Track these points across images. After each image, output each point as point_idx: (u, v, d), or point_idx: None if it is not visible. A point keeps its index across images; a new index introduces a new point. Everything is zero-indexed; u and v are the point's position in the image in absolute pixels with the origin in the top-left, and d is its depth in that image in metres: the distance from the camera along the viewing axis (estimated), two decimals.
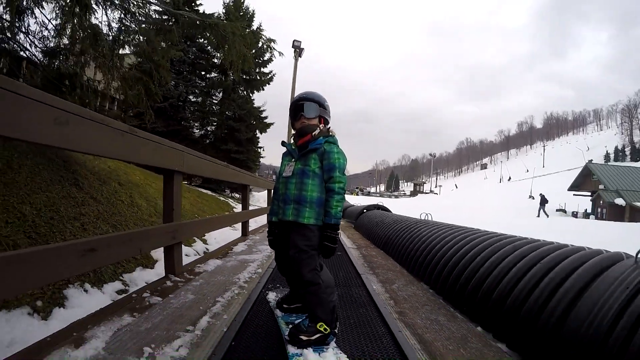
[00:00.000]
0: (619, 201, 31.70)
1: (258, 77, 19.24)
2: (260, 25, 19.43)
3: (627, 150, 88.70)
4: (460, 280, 2.57)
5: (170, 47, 5.23)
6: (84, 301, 2.98)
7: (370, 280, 3.03)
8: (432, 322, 2.12)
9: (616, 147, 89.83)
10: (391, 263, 4.00)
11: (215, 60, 18.38)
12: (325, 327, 1.73)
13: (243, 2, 19.82)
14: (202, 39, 13.97)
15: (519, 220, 17.78)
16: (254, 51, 10.43)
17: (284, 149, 2.16)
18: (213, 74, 19.15)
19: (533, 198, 46.36)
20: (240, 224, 5.88)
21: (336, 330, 1.84)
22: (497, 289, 2.15)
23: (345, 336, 1.93)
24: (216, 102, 18.72)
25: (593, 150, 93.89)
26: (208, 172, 3.91)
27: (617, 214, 30.94)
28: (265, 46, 6.72)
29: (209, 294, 2.36)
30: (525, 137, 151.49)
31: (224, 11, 19.28)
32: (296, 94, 2.13)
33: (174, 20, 5.23)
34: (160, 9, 5.03)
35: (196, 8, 17.65)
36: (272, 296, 2.42)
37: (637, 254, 1.75)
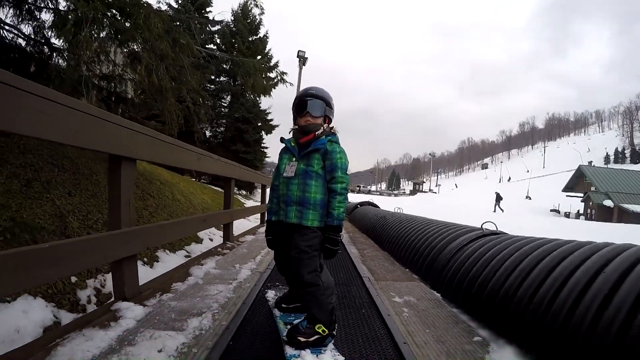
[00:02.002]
0: (608, 203, 33.21)
1: (265, 83, 20.57)
2: (267, 33, 20.97)
3: (627, 152, 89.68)
4: (400, 244, 4.29)
5: (204, 76, 6.89)
6: (168, 259, 4.69)
7: (350, 248, 4.76)
8: (380, 264, 3.83)
9: (616, 149, 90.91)
10: (369, 242, 5.71)
11: (225, 66, 19.65)
12: (324, 328, 1.76)
13: (251, 9, 21.04)
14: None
15: (507, 217, 19.52)
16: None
17: (283, 145, 2.13)
18: (222, 78, 20.42)
19: (530, 198, 48.11)
20: (259, 214, 7.66)
21: (334, 332, 1.87)
22: (414, 248, 3.85)
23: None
24: (225, 105, 20.08)
25: (594, 151, 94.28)
26: (248, 178, 5.65)
27: (605, 215, 32.47)
28: (278, 78, 8.34)
29: (254, 249, 4.09)
30: (527, 137, 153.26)
31: (232, 18, 20.60)
32: None
33: (209, 58, 6.91)
34: (203, 51, 6.70)
35: (206, 15, 19.24)
36: (271, 295, 2.53)
37: (482, 225, 3.43)
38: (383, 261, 4.05)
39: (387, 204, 17.75)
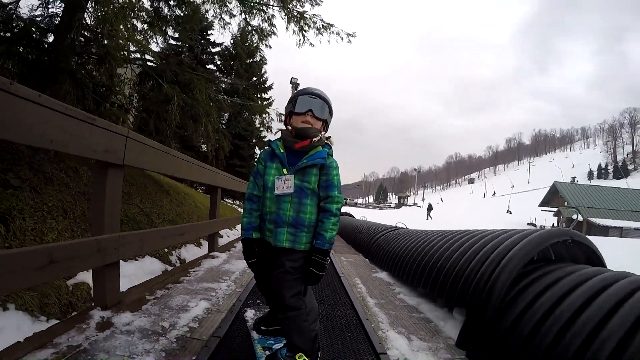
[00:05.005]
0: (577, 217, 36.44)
1: (260, 102, 23.19)
2: (264, 57, 23.59)
3: (611, 168, 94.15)
4: (354, 237, 6.97)
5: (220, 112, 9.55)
6: (206, 245, 7.26)
7: None
8: (340, 248, 6.55)
9: (599, 165, 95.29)
10: (340, 239, 8.37)
11: (223, 86, 22.12)
12: (305, 358, 1.67)
13: (249, 34, 23.60)
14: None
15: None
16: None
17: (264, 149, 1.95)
18: (221, 96, 22.94)
19: (510, 213, 51.34)
20: None
21: None
22: (359, 238, 6.52)
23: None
24: (224, 122, 22.57)
25: (578, 167, 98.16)
26: None
27: (574, 228, 35.60)
28: (277, 115, 11.01)
29: None
30: (514, 153, 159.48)
31: (231, 42, 23.19)
32: None
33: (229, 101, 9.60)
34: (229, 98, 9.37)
35: (207, 37, 21.82)
36: (250, 314, 2.47)
37: (396, 224, 6.12)
38: (343, 247, 6.78)
39: (371, 215, 20.50)
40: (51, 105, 1.78)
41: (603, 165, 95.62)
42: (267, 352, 1.89)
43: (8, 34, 5.01)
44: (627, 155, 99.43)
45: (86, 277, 3.68)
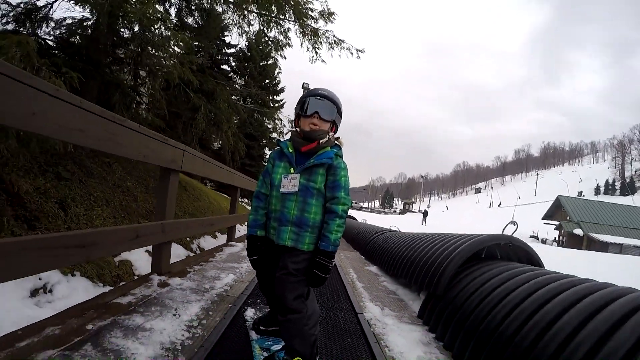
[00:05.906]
0: (578, 231, 36.92)
1: (272, 105, 24.06)
2: (277, 63, 24.47)
3: (618, 184, 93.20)
4: (353, 237, 7.87)
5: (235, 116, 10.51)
6: (221, 237, 8.19)
7: None
8: (343, 247, 7.37)
9: (607, 181, 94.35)
10: (342, 239, 9.28)
11: (237, 86, 23.02)
12: None
13: (263, 37, 24.54)
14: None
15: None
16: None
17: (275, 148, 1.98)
18: (233, 97, 23.88)
19: (514, 224, 51.85)
20: None
21: None
22: (357, 238, 7.42)
23: None
24: (235, 121, 23.50)
25: (586, 181, 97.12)
26: None
27: (575, 242, 36.09)
28: (288, 121, 11.89)
29: None
30: (522, 164, 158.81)
31: (246, 44, 24.02)
32: None
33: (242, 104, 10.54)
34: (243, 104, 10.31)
35: (223, 38, 22.74)
36: (250, 313, 2.52)
37: (390, 227, 7.00)
38: (343, 245, 7.67)
39: (366, 218, 21.36)
40: (144, 132, 2.70)
41: (610, 181, 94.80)
42: (265, 353, 1.93)
43: (59, 47, 5.89)
44: (635, 172, 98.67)
45: (128, 256, 4.63)
